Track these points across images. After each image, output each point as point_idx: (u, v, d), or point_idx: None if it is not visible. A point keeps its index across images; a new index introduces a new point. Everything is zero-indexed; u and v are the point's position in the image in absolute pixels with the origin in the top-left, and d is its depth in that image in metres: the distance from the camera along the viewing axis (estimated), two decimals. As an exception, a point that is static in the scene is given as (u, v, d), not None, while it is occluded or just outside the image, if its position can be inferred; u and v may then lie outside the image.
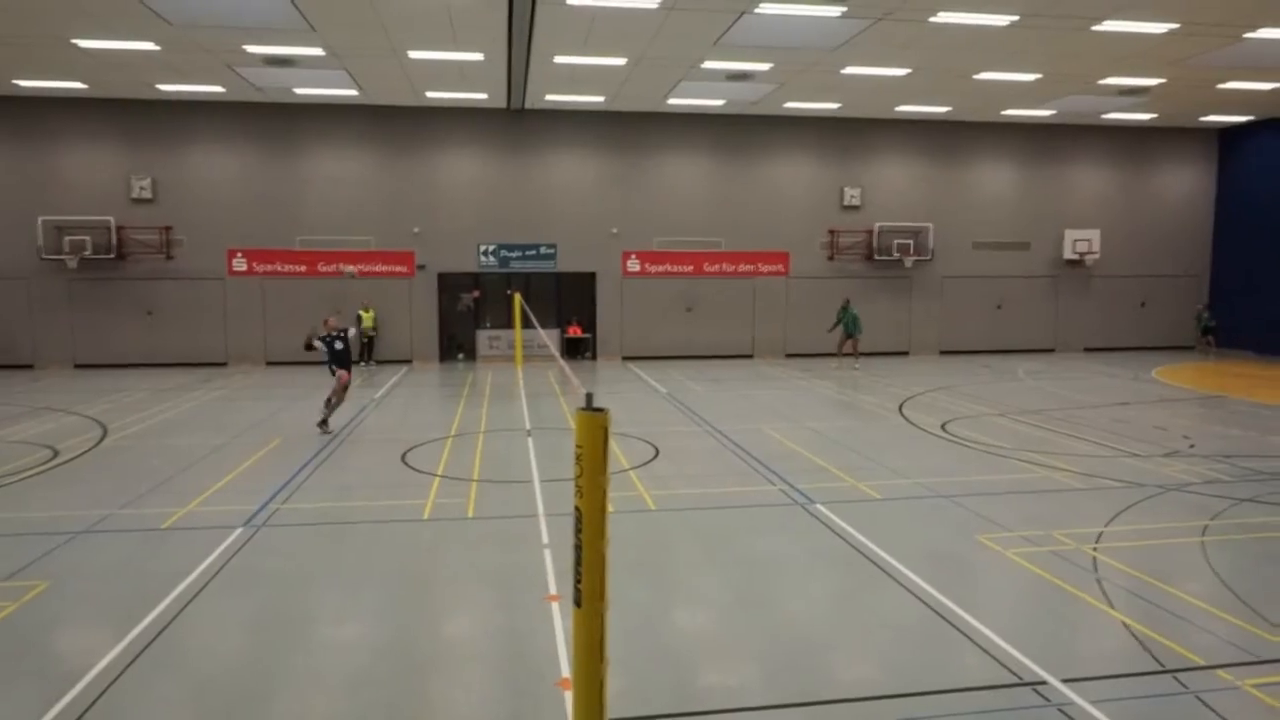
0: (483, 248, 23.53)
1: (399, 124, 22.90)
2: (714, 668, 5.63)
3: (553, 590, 6.79)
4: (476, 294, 24.10)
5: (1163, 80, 19.73)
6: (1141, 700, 5.09)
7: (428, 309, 23.72)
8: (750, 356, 24.95)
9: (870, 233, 25.04)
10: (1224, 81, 19.97)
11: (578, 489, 3.31)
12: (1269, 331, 24.86)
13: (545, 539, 8.09)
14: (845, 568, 7.44)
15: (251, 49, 16.88)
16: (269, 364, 22.80)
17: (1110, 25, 15.28)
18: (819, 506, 9.21)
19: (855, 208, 25.10)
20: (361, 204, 23.11)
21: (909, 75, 19.17)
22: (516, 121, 23.32)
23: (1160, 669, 5.45)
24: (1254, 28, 15.52)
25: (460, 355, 24.40)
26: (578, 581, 3.42)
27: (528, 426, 14.04)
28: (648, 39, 16.24)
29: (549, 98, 21.74)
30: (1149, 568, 7.32)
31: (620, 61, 17.88)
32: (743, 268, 24.84)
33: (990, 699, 5.07)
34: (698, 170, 24.47)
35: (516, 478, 10.54)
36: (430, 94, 21.24)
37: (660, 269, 24.48)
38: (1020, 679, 5.30)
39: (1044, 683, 5.23)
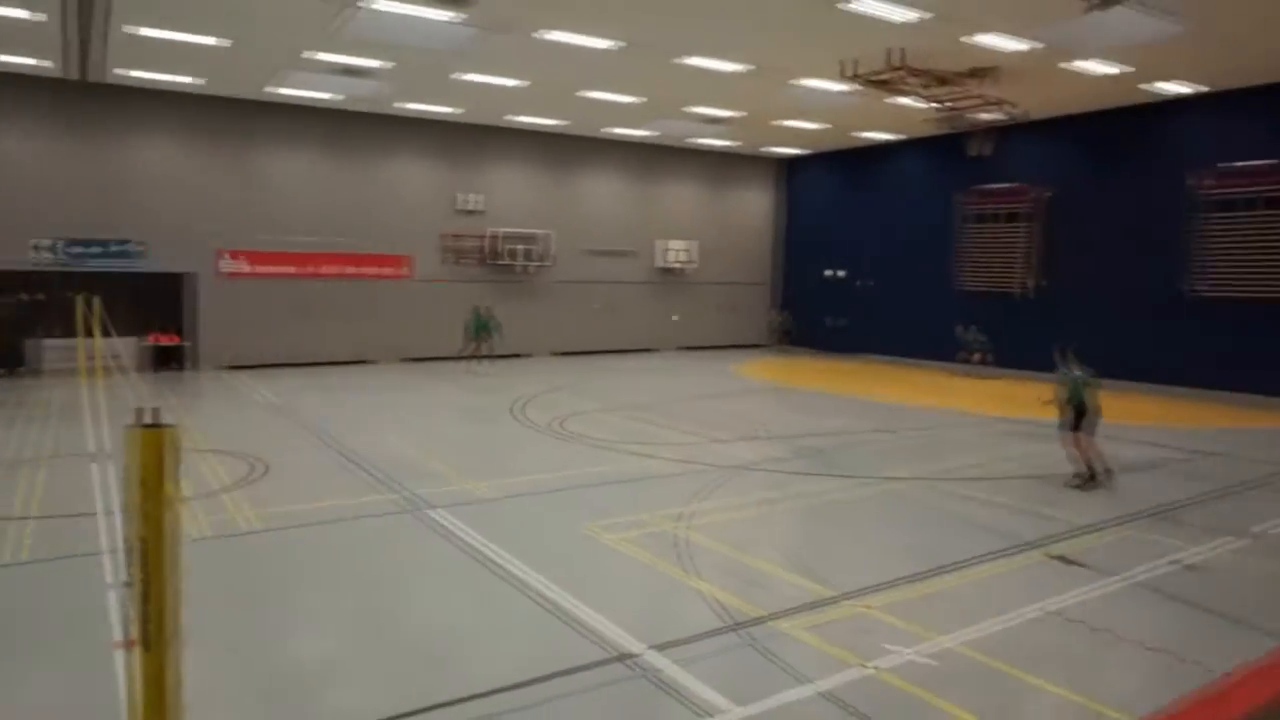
0: (38, 242, 19.95)
1: (-83, 86, 18.63)
2: (333, 689, 5.40)
3: (122, 635, 5.98)
4: (30, 296, 20.38)
5: (738, 113, 22.69)
6: (714, 655, 5.81)
7: (-34, 313, 19.60)
8: (371, 362, 24.14)
9: (491, 237, 25.56)
10: (783, 119, 23.49)
11: (136, 516, 2.97)
12: (823, 331, 29.70)
13: (113, 578, 7.09)
14: (461, 569, 7.53)
15: None
16: None
17: (695, 61, 17.21)
18: (437, 511, 9.20)
19: (474, 212, 25.44)
20: None
21: (523, 87, 19.89)
22: (90, 97, 20.09)
23: (730, 625, 6.27)
24: (801, 77, 18.47)
25: (6, 369, 20.37)
26: (144, 621, 3.06)
27: (94, 450, 12.19)
28: (247, 20, 14.97)
29: (132, 73, 19.10)
30: (726, 538, 8.38)
31: (215, 41, 16.25)
32: (361, 269, 23.93)
33: (590, 678, 5.46)
34: (311, 166, 23.11)
35: (76, 511, 9.09)
36: (-38, 53, 17.56)
37: (269, 270, 22.70)
38: (615, 654, 5.77)
39: (635, 654, 5.76)
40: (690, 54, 16.83)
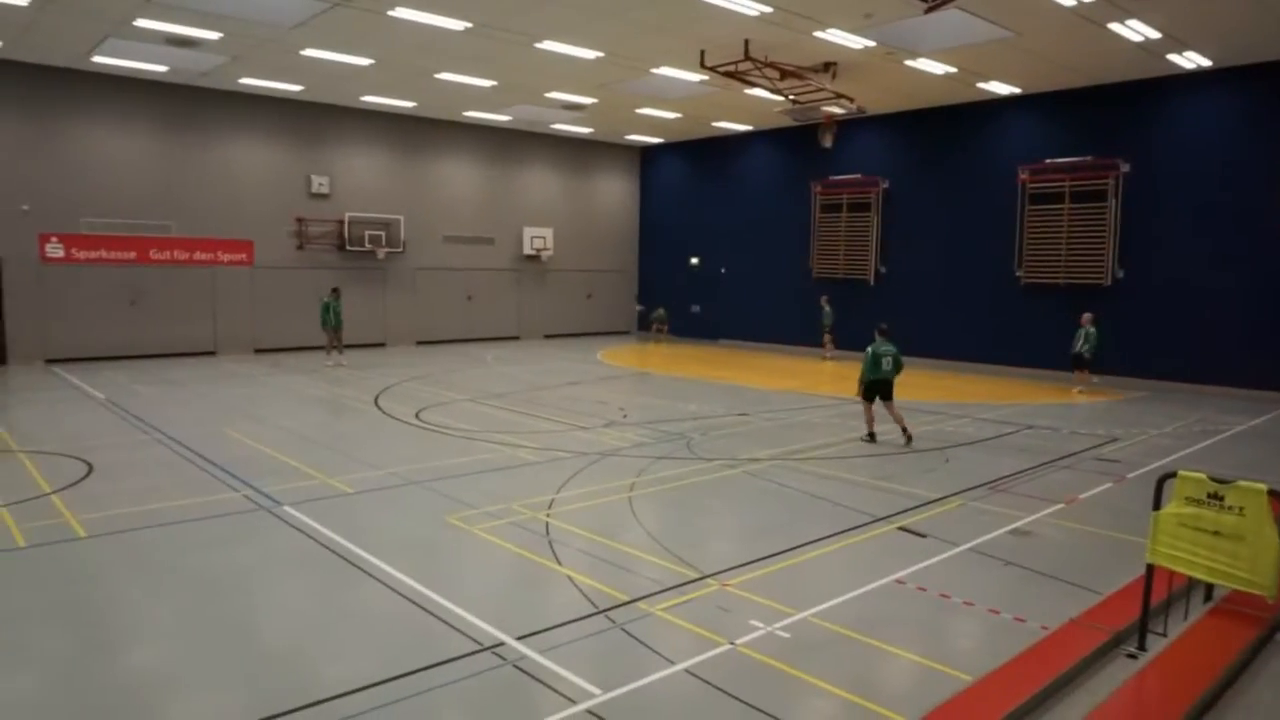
0: None
1: None
2: (180, 702, 5.03)
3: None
4: None
5: (595, 100, 22.65)
6: (581, 641, 5.80)
7: None
8: (212, 353, 22.73)
9: (341, 222, 24.53)
10: (640, 107, 23.63)
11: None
12: (686, 318, 30.20)
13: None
14: (318, 568, 7.19)
15: None
16: None
17: (549, 45, 17.03)
18: (287, 508, 8.76)
19: (324, 196, 24.35)
20: None
21: (372, 66, 19.13)
22: None
23: (595, 610, 6.28)
24: (658, 65, 18.62)
25: None
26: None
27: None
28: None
29: (-84, 34, 17.13)
30: (590, 525, 8.38)
31: (19, 1, 14.76)
32: (199, 255, 22.44)
33: (456, 670, 5.33)
34: (138, 144, 21.42)
35: (-123, 521, 8.15)
36: None
37: (93, 255, 20.93)
38: (481, 645, 5.66)
39: (502, 644, 5.67)
40: (543, 38, 16.65)
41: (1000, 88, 20.23)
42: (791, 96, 19.15)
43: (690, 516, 9.09)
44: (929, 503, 9.44)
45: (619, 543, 7.88)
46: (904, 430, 12.45)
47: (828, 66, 18.12)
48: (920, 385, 19.24)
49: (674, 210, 30.99)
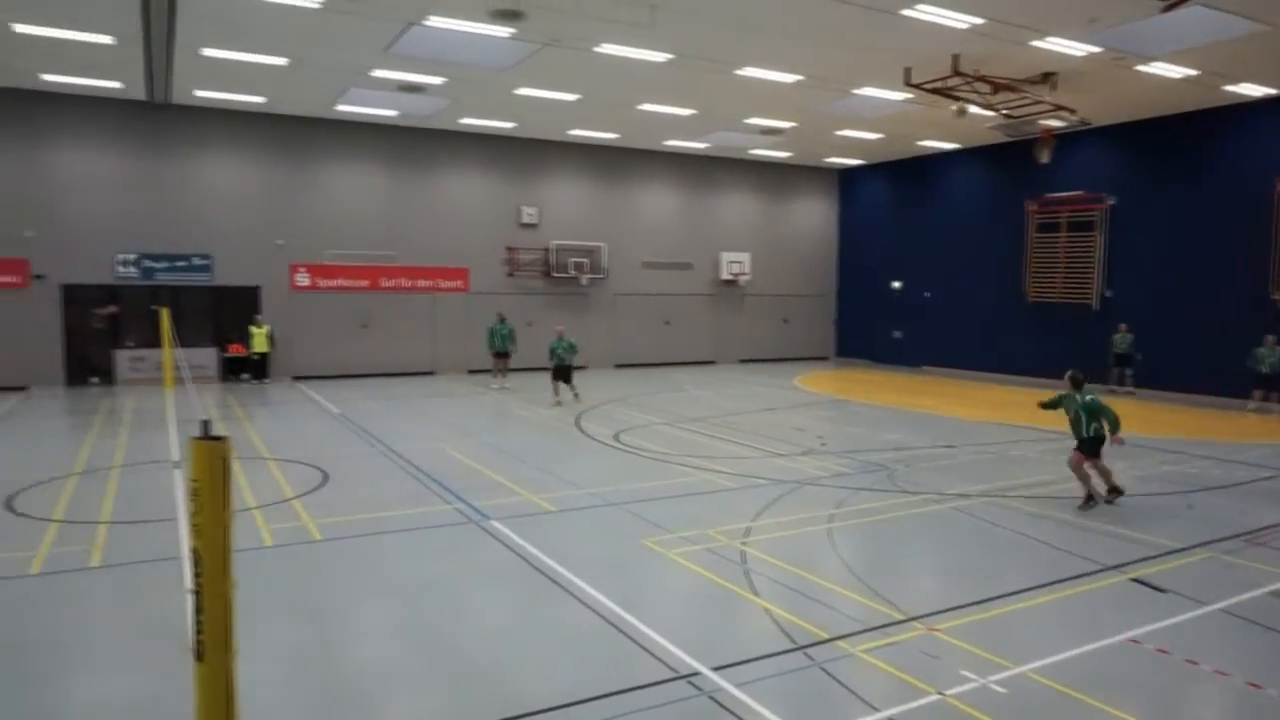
0: (122, 257, 20.74)
1: (6, 109, 19.47)
2: (392, 703, 5.36)
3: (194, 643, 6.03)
4: (114, 309, 21.09)
5: (794, 124, 22.45)
6: (778, 677, 5.62)
7: (49, 325, 20.37)
8: (431, 373, 24.44)
9: (548, 250, 25.72)
10: (840, 129, 23.17)
11: (195, 528, 2.95)
12: (883, 343, 29.17)
13: (191, 583, 7.19)
14: (520, 583, 7.47)
15: None
16: None
17: (749, 72, 17.07)
18: (494, 523, 9.18)
19: (532, 225, 25.64)
20: (-47, 201, 19.32)
21: (578, 101, 19.98)
22: (161, 117, 20.85)
23: (794, 646, 6.07)
24: (859, 86, 18.18)
25: (94, 379, 21.17)
26: (198, 633, 3.05)
27: (175, 458, 12.51)
28: (310, 40, 15.35)
29: (199, 93, 19.73)
30: (787, 555, 8.17)
31: (280, 61, 16.68)
32: (421, 283, 24.30)
33: (651, 696, 5.32)
34: (371, 181, 23.57)
35: (157, 516, 9.31)
36: (46, 77, 18.29)
37: (333, 283, 23.18)
38: (677, 673, 5.62)
39: (697, 674, 5.60)
40: (744, 65, 16.71)
41: (1251, 89, 18.09)
42: (1005, 111, 18.08)
43: (893, 553, 8.66)
44: (1168, 553, 8.45)
45: (817, 576, 7.62)
46: (1112, 486, 10.19)
47: (1046, 77, 16.96)
48: (1155, 420, 17.40)
49: (874, 233, 30.06)
